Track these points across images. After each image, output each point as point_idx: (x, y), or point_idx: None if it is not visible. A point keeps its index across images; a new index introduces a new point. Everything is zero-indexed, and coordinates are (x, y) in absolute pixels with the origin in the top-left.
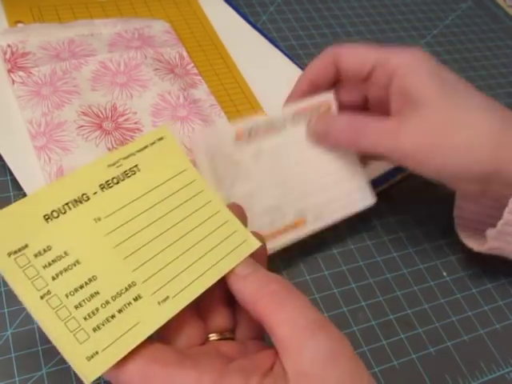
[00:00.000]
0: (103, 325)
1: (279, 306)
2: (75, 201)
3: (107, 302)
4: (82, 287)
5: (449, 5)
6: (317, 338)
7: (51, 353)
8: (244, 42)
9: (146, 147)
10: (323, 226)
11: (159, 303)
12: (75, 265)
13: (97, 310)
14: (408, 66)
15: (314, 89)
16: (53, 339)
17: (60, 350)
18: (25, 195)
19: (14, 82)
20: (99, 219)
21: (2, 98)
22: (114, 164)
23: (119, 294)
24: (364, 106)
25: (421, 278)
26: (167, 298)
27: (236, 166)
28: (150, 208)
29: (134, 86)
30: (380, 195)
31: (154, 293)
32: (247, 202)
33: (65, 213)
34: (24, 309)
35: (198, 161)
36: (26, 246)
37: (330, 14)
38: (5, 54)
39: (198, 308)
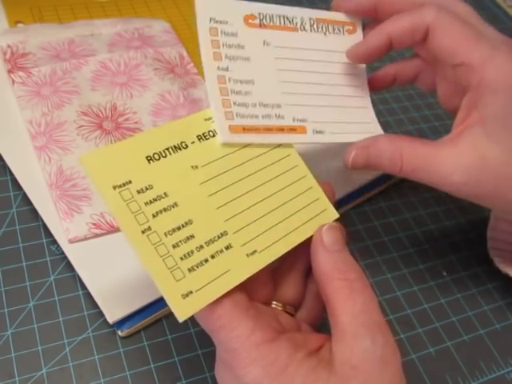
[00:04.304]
0: (197, 267)
1: (349, 296)
2: (175, 147)
3: (201, 247)
4: (179, 229)
5: None
6: (374, 339)
7: (51, 353)
8: None
9: None
10: (322, 142)
11: (247, 255)
12: (173, 206)
13: (192, 252)
14: (491, 89)
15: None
16: (151, 274)
17: (158, 286)
18: (25, 195)
19: (13, 82)
20: (196, 167)
21: (2, 98)
22: (210, 118)
23: (212, 241)
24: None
25: (421, 278)
26: (255, 251)
27: (238, 48)
28: (243, 164)
29: (133, 85)
30: (380, 195)
31: (244, 245)
32: (243, 88)
33: (165, 157)
34: (24, 309)
35: (198, 28)
36: (130, 181)
37: None
38: (5, 54)
39: (274, 273)
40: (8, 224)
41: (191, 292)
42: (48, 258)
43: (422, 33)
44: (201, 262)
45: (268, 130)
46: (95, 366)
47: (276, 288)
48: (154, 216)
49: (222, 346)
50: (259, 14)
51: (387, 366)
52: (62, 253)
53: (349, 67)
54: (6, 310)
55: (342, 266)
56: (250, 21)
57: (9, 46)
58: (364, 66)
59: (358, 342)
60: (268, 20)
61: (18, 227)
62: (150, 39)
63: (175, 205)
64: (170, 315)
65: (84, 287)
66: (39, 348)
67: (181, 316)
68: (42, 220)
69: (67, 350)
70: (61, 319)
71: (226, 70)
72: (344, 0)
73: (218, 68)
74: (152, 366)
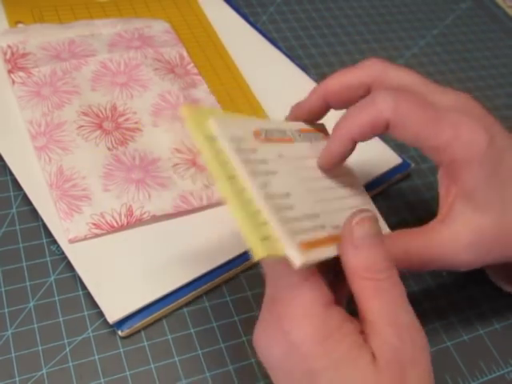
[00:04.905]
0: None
1: (375, 296)
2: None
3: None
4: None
5: (449, 5)
6: (401, 339)
7: (51, 353)
8: (244, 42)
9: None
10: None
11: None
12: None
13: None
14: (467, 161)
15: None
16: (236, 215)
17: (240, 225)
18: (25, 195)
19: (14, 82)
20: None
21: (2, 98)
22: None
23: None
24: None
25: (421, 278)
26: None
27: (264, 164)
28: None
29: (134, 85)
30: (380, 195)
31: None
32: (287, 202)
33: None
34: (24, 309)
35: (228, 153)
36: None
37: (329, 14)
38: (5, 54)
39: None
40: (8, 224)
41: (268, 237)
42: (48, 258)
43: (383, 126)
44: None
45: (322, 242)
46: (95, 366)
47: None
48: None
49: (279, 293)
50: (261, 129)
51: (416, 365)
52: (62, 253)
53: (339, 168)
54: (5, 310)
55: (371, 264)
56: (258, 136)
57: (9, 46)
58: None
59: (388, 342)
60: (270, 134)
61: (17, 227)
62: (150, 39)
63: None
64: (170, 315)
65: (84, 287)
66: (39, 348)
67: (259, 254)
68: (42, 220)
69: (67, 350)
70: (61, 319)
71: (266, 186)
72: (293, 112)
73: (260, 186)
74: (152, 365)
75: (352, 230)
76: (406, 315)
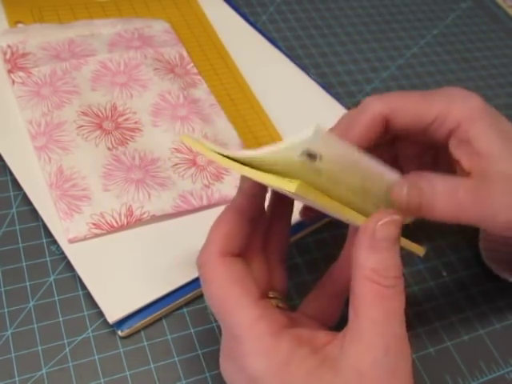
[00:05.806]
0: None
1: (377, 303)
2: None
3: None
4: None
5: (449, 5)
6: (388, 351)
7: (51, 353)
8: (244, 42)
9: None
10: None
11: None
12: None
13: None
14: (470, 120)
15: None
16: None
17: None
18: (25, 195)
19: (14, 82)
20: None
21: (2, 98)
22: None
23: None
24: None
25: (421, 278)
26: None
27: None
28: None
29: (133, 85)
30: None
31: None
32: None
33: None
34: (24, 309)
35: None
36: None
37: (329, 14)
38: (5, 54)
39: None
40: (8, 224)
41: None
42: (48, 258)
43: (381, 123)
44: None
45: None
46: (95, 366)
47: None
48: None
49: (228, 332)
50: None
51: (396, 378)
52: (62, 253)
53: None
54: (5, 310)
55: (382, 269)
56: None
57: (9, 46)
58: None
59: (372, 350)
60: None
61: (17, 227)
62: (149, 39)
63: None
64: (170, 315)
65: (84, 287)
66: (39, 348)
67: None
68: (42, 220)
69: (67, 350)
70: (61, 319)
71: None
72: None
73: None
74: (152, 366)
75: (375, 230)
76: (399, 328)
